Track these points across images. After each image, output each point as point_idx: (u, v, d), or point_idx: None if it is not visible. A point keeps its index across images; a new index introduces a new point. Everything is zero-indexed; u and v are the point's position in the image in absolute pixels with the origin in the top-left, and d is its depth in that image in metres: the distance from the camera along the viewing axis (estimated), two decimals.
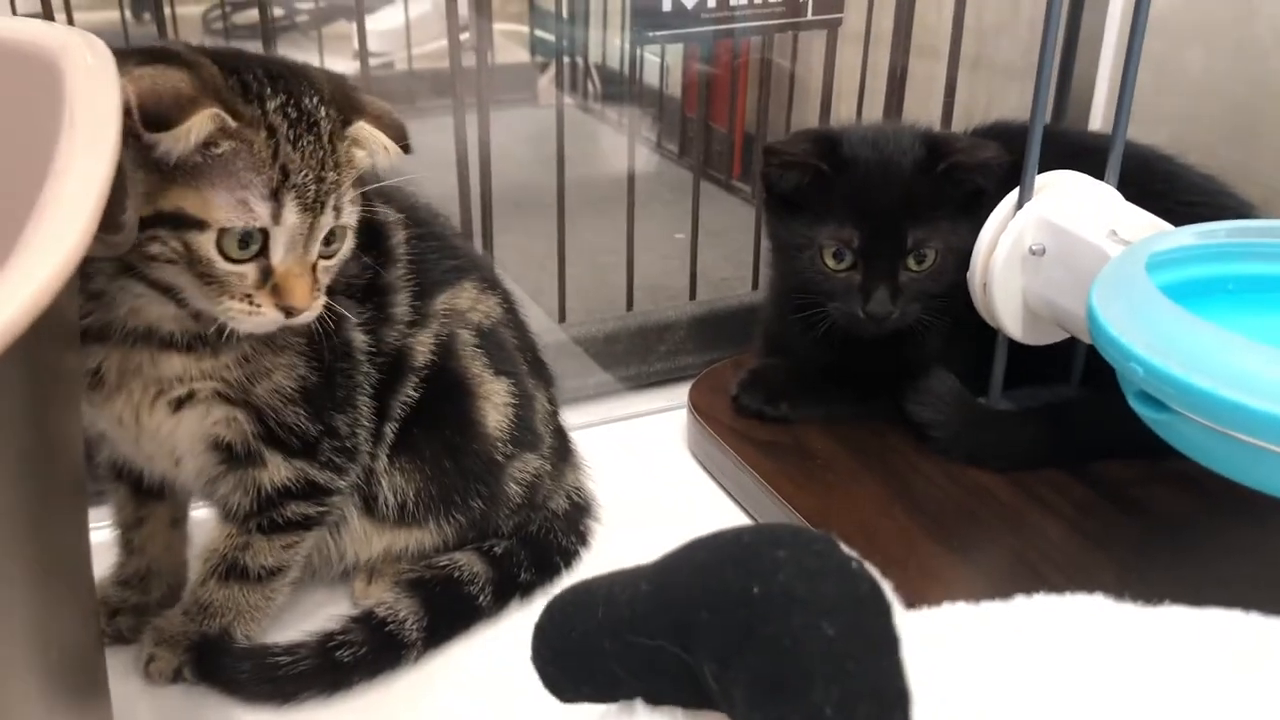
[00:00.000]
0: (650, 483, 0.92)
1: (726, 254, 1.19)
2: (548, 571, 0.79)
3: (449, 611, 0.73)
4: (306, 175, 0.57)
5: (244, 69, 0.58)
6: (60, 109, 0.47)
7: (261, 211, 0.56)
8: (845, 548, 0.41)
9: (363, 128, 0.61)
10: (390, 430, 0.72)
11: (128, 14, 1.69)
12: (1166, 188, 0.86)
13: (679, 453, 0.95)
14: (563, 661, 0.47)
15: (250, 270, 0.57)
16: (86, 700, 0.56)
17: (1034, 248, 0.79)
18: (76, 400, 0.55)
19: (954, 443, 0.85)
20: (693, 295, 1.08)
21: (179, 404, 0.63)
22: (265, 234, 0.57)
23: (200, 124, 0.53)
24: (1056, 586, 0.43)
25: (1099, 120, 1.06)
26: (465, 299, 0.75)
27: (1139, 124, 1.01)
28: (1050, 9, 0.76)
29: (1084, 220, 0.78)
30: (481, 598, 0.74)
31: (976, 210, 0.81)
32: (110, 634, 0.71)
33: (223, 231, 0.56)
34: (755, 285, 1.10)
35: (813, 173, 0.81)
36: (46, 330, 0.38)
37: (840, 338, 0.84)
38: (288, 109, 0.57)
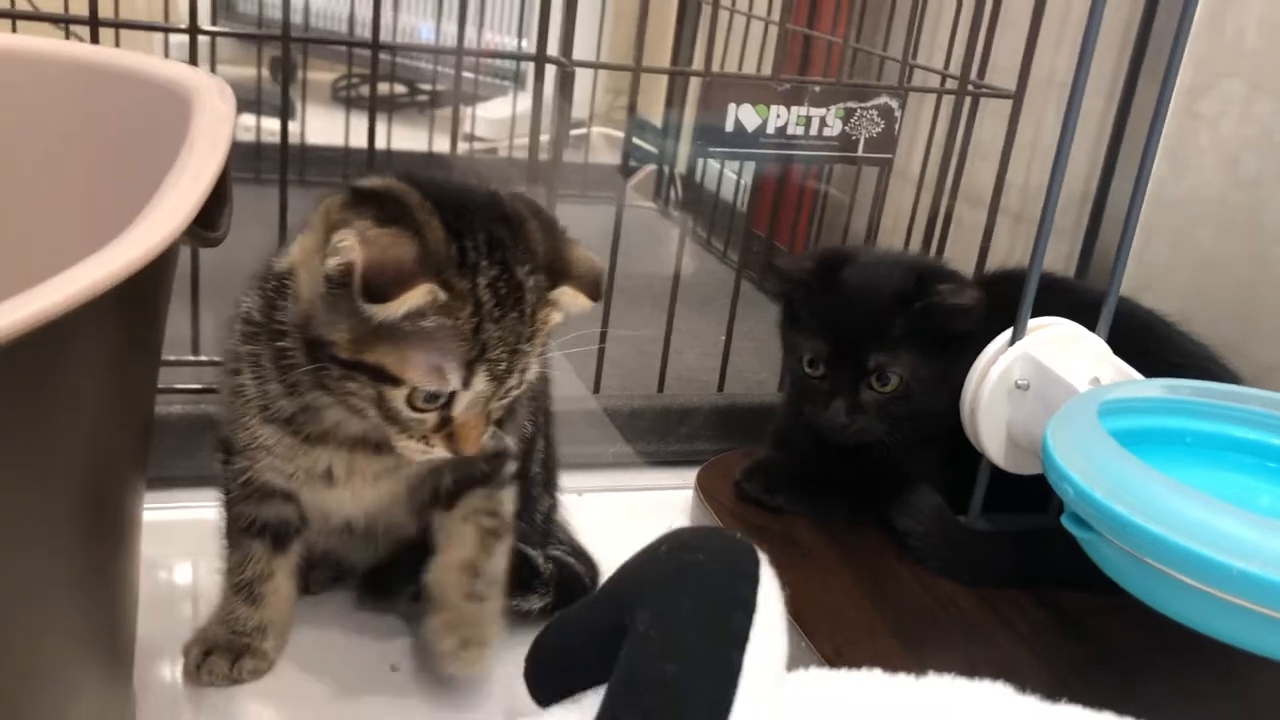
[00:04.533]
0: None
1: (764, 359, 1.27)
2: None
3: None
4: (502, 350, 0.59)
5: (467, 232, 0.59)
6: (186, 135, 0.58)
7: (454, 379, 0.58)
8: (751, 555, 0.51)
9: (565, 293, 0.62)
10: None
11: (265, 71, 1.87)
12: (1159, 348, 0.93)
13: (679, 526, 1.03)
14: (545, 668, 0.56)
15: (432, 417, 0.60)
16: (112, 685, 0.64)
17: (1019, 382, 0.87)
18: (152, 368, 0.65)
19: (930, 554, 0.92)
20: (720, 387, 1.16)
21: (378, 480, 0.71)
22: (453, 394, 0.60)
23: (414, 299, 0.55)
24: None
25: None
26: None
27: (1154, 291, 1.09)
28: (1054, 172, 0.85)
29: (1068, 364, 0.85)
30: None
31: (958, 347, 0.89)
32: (233, 678, 0.75)
33: (414, 389, 0.59)
34: (780, 387, 1.18)
35: (806, 288, 0.91)
36: (137, 293, 0.48)
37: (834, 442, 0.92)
38: (499, 284, 0.59)
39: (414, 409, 0.60)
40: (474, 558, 0.74)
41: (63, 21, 0.89)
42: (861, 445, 0.91)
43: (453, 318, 0.57)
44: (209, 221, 0.52)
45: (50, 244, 0.58)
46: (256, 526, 0.74)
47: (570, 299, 0.63)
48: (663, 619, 0.47)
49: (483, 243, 0.59)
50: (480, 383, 0.59)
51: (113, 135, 0.64)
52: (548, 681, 0.57)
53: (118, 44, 1.38)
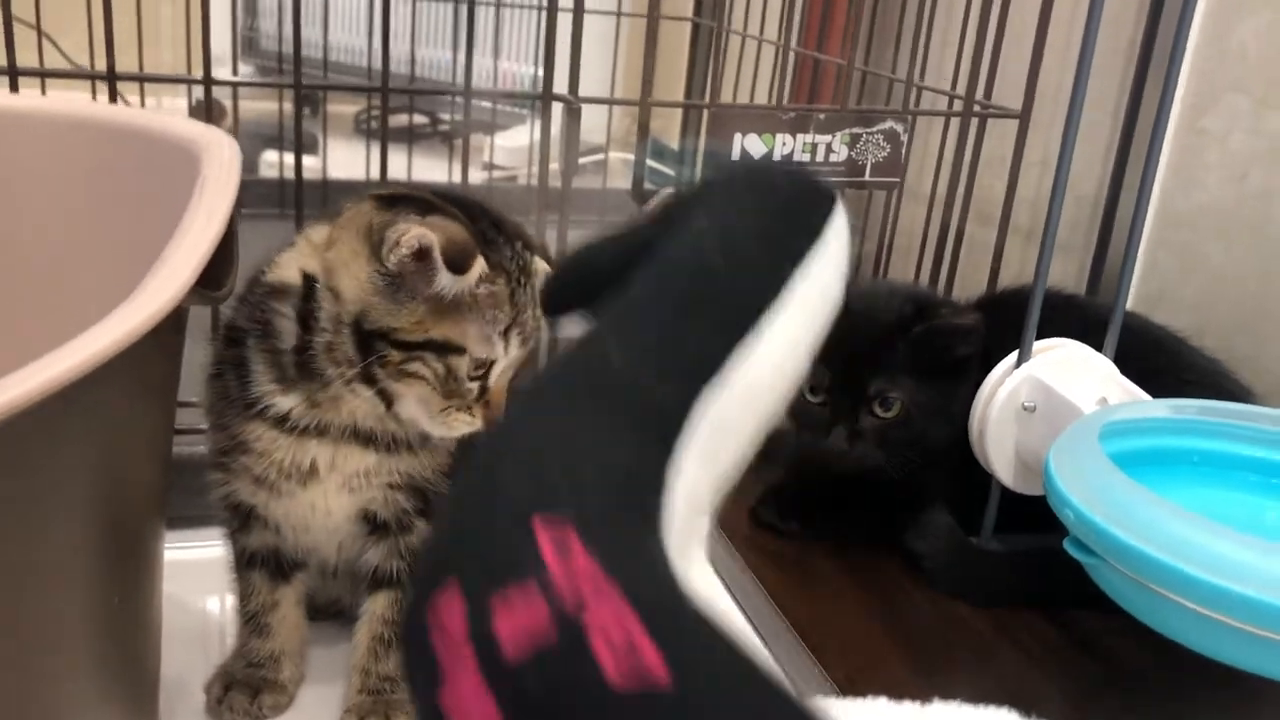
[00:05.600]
0: None
1: None
2: None
3: None
4: (527, 314, 0.68)
5: (477, 218, 0.68)
6: (194, 189, 0.61)
7: (499, 346, 0.67)
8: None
9: (539, 262, 0.70)
10: None
11: (287, 106, 1.91)
12: (1170, 364, 0.94)
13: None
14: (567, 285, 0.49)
15: (475, 390, 0.68)
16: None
17: (1026, 404, 0.87)
18: (164, 430, 0.68)
19: (942, 575, 0.92)
20: None
21: (354, 490, 0.73)
22: (490, 365, 0.68)
23: (479, 268, 0.64)
24: None
25: (1129, 296, 1.14)
26: None
27: (1166, 306, 1.09)
28: (1055, 188, 0.86)
29: (1075, 386, 0.85)
30: None
31: (958, 373, 0.90)
32: (254, 714, 0.76)
33: (471, 359, 0.67)
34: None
35: None
36: (143, 354, 0.50)
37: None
38: (515, 258, 0.68)
39: (467, 381, 0.67)
40: (364, 662, 0.76)
41: (82, 78, 0.92)
42: (844, 469, 0.92)
43: (495, 285, 0.66)
44: (214, 280, 0.54)
45: (65, 301, 0.60)
46: (251, 556, 0.77)
47: (542, 269, 0.70)
48: (720, 219, 0.41)
49: (490, 225, 0.67)
50: (514, 348, 0.68)
51: (125, 193, 0.66)
52: (565, 297, 0.50)
53: (142, 92, 1.42)
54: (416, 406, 0.68)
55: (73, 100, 0.72)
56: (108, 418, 0.50)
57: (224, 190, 0.56)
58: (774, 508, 1.00)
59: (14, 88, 0.83)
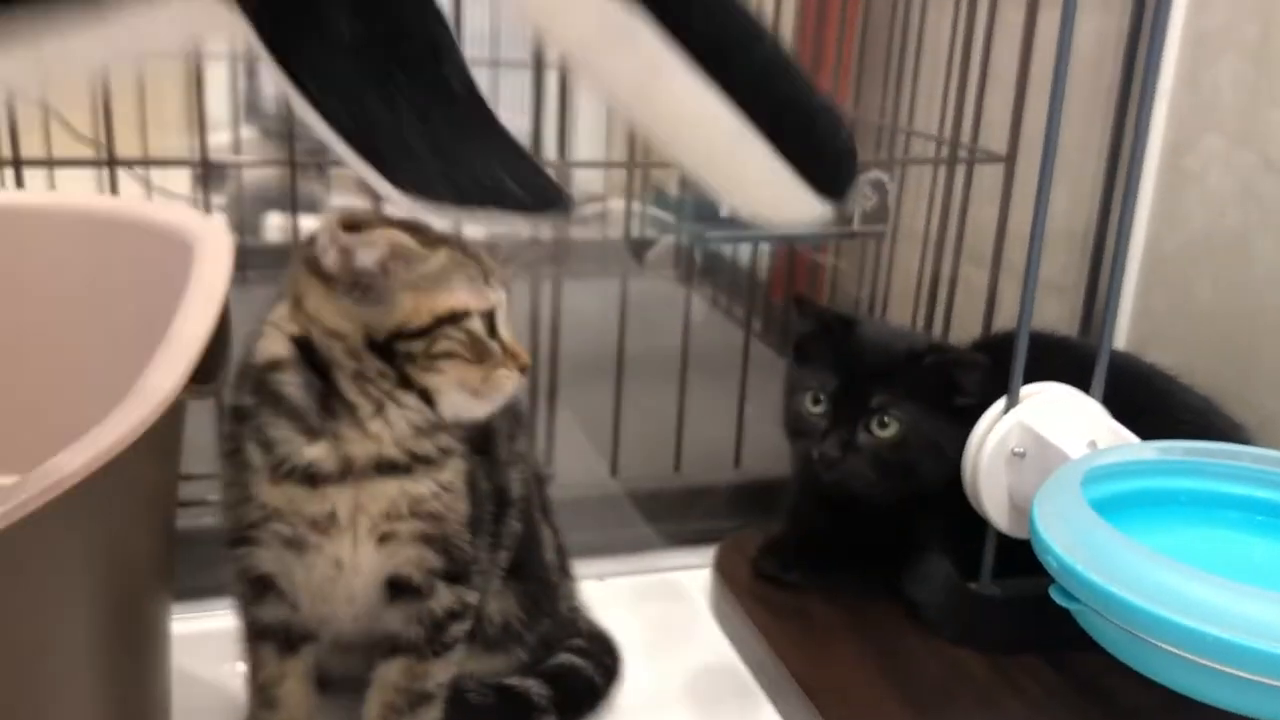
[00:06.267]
0: (668, 633, 1.01)
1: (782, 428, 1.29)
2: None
3: None
4: (486, 261, 0.73)
5: (403, 225, 0.73)
6: (188, 278, 0.63)
7: (489, 294, 0.72)
8: None
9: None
10: (504, 557, 0.83)
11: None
12: (1162, 404, 0.95)
13: (699, 607, 1.05)
14: None
15: (498, 347, 0.72)
16: None
17: (1016, 450, 0.88)
18: (167, 523, 0.69)
19: (942, 622, 0.93)
20: (737, 463, 1.19)
21: (384, 540, 0.73)
22: (493, 315, 0.72)
23: (443, 251, 0.70)
24: None
25: (1122, 335, 1.15)
26: (523, 444, 0.87)
27: (1156, 344, 1.10)
28: (1034, 231, 0.87)
29: (1063, 431, 0.86)
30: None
31: (960, 415, 0.91)
32: None
33: (479, 314, 0.71)
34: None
35: (824, 328, 0.95)
36: (134, 453, 0.52)
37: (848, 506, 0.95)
38: (445, 237, 0.73)
39: (489, 339, 0.71)
40: None
41: (85, 165, 0.95)
42: (871, 510, 0.93)
43: (440, 250, 0.70)
44: (208, 374, 0.56)
45: (64, 393, 0.63)
46: (262, 629, 0.78)
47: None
48: None
49: (416, 228, 0.72)
50: (499, 290, 0.72)
51: (120, 283, 0.69)
52: None
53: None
54: (458, 393, 0.71)
55: (73, 196, 0.75)
56: (110, 511, 0.52)
57: (213, 291, 0.58)
58: (775, 559, 1.01)
59: (18, 177, 0.86)
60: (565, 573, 0.91)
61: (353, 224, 0.68)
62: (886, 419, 0.91)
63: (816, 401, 0.93)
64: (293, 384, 0.70)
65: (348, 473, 0.71)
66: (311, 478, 0.71)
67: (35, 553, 0.45)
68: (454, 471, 0.74)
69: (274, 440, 0.71)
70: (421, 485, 0.73)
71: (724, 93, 0.39)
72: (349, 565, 0.74)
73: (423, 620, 0.76)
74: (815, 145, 0.42)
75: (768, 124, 0.40)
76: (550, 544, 0.89)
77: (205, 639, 0.89)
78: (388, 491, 0.72)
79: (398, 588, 0.76)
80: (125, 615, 0.62)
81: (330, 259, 0.68)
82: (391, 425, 0.71)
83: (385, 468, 0.72)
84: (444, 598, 0.76)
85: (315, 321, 0.69)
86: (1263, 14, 1.00)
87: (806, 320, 0.97)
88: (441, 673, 0.78)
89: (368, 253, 0.68)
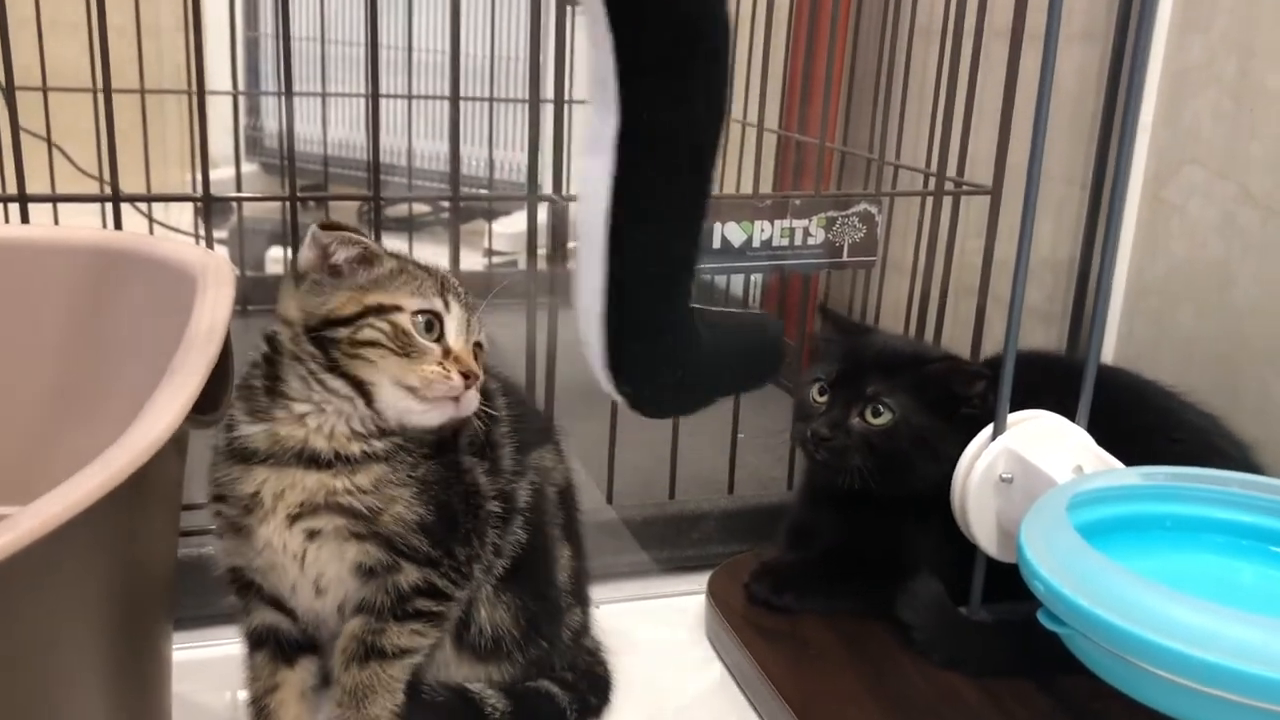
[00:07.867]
0: (663, 658, 1.02)
1: (779, 455, 1.31)
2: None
3: None
4: (451, 280, 0.79)
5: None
6: (191, 311, 0.64)
7: (436, 301, 0.77)
8: None
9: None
10: (500, 565, 0.83)
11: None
12: (1159, 422, 0.96)
13: (695, 633, 1.06)
14: None
15: (436, 348, 0.75)
16: None
17: (1004, 476, 0.90)
18: (169, 543, 0.71)
19: (933, 646, 0.94)
20: (730, 490, 1.20)
21: (311, 535, 0.75)
22: (440, 319, 0.76)
23: (347, 234, 0.76)
24: None
25: (1107, 361, 1.17)
26: (549, 459, 0.89)
27: (1140, 370, 1.12)
28: (1019, 261, 0.89)
29: (1049, 457, 0.88)
30: None
31: (957, 422, 0.94)
32: None
33: (413, 313, 0.75)
34: (790, 485, 1.22)
35: (842, 333, 1.03)
36: (137, 482, 0.53)
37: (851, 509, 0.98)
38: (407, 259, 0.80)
39: (422, 336, 0.75)
40: (338, 674, 0.79)
41: (89, 201, 0.97)
42: (865, 515, 0.97)
43: (391, 263, 0.77)
44: (209, 405, 0.57)
45: (67, 423, 0.64)
46: (256, 638, 0.80)
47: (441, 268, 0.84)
48: None
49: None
50: (455, 305, 0.77)
51: (124, 316, 0.71)
52: None
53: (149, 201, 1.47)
54: (392, 389, 0.75)
55: (78, 229, 0.76)
56: (113, 541, 0.53)
57: (215, 323, 0.59)
58: (768, 583, 1.02)
59: (24, 212, 0.88)
60: (578, 599, 0.91)
61: (330, 226, 0.75)
62: (880, 407, 0.95)
63: (822, 391, 0.98)
64: (255, 369, 0.77)
65: (272, 456, 0.75)
66: (246, 455, 0.75)
67: (37, 584, 0.46)
68: (374, 477, 0.76)
69: (233, 420, 0.76)
70: (338, 482, 0.75)
71: None
72: (280, 550, 0.76)
73: (389, 591, 0.78)
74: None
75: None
76: (566, 566, 0.89)
77: (205, 666, 0.91)
78: (306, 482, 0.75)
79: (367, 574, 0.78)
80: (127, 644, 0.63)
81: (304, 255, 0.75)
82: (325, 416, 0.75)
83: (308, 459, 0.75)
84: (411, 574, 0.78)
85: (279, 317, 0.76)
86: (1241, 49, 1.03)
87: (826, 325, 1.05)
88: (400, 636, 0.78)
89: (343, 250, 0.75)
